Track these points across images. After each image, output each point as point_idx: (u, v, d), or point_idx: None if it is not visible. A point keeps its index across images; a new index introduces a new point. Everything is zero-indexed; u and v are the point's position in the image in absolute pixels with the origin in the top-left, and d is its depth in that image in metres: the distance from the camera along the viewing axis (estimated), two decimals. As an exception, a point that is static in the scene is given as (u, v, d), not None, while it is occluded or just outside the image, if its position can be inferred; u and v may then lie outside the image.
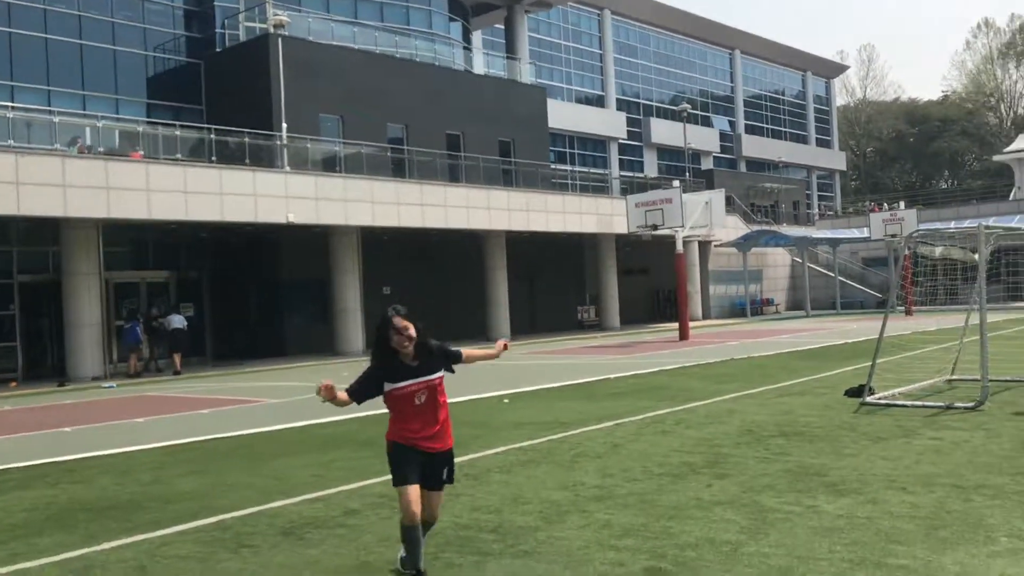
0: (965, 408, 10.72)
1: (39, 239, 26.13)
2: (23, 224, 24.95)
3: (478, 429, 10.83)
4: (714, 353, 22.05)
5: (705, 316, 43.09)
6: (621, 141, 57.58)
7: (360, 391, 5.14)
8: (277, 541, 6.24)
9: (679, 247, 30.38)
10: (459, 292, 33.94)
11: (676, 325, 31.07)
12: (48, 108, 28.24)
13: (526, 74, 42.00)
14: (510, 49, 43.87)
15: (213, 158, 26.06)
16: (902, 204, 43.32)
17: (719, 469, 7.89)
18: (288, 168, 26.84)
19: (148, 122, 29.83)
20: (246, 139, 26.88)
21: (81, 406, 17.23)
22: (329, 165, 29.75)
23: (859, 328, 29.47)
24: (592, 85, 57.87)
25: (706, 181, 49.74)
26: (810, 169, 75.13)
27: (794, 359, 19.36)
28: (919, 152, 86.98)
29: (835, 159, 79.12)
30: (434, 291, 32.68)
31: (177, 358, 24.83)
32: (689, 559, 5.31)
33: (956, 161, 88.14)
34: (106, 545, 6.31)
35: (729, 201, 43.89)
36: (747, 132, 68.95)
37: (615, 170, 54.29)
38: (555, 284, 39.24)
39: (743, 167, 66.46)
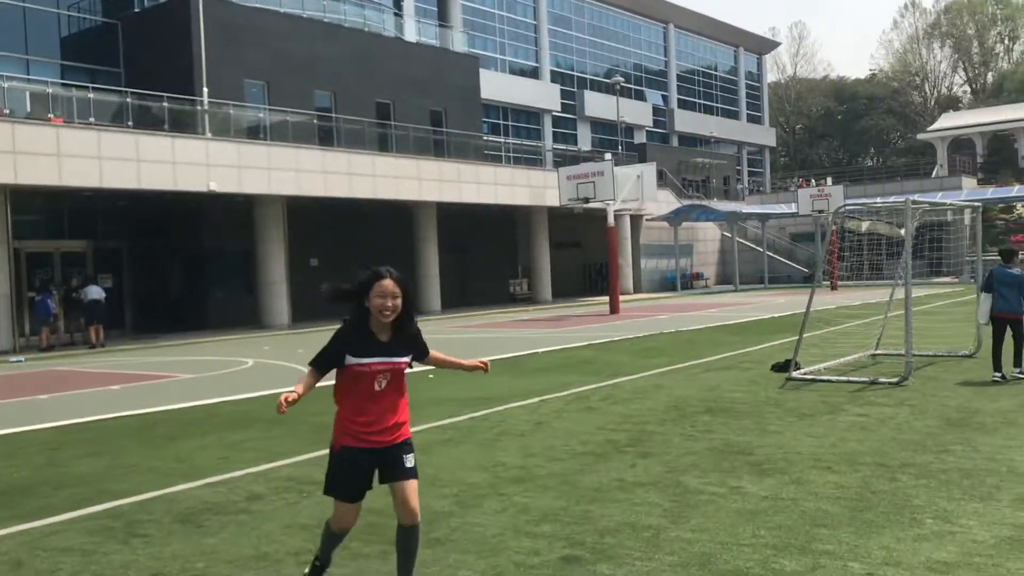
0: (889, 383, 10.72)
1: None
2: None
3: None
4: (643, 327, 22.00)
5: (636, 290, 43.26)
6: (555, 114, 57.23)
7: (323, 361, 4.37)
8: (173, 529, 5.81)
9: (610, 220, 30.27)
10: (390, 264, 33.11)
11: (607, 299, 31.04)
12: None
13: (459, 43, 41.32)
14: (443, 17, 43.10)
15: (130, 123, 24.97)
16: (829, 180, 44.00)
17: (643, 447, 7.67)
18: (209, 135, 25.89)
19: (61, 84, 28.50)
20: (165, 104, 25.82)
21: (-17, 382, 16.34)
22: (254, 133, 28.83)
23: (786, 302, 29.81)
24: (526, 56, 57.28)
25: (639, 155, 49.78)
26: (741, 145, 75.89)
27: (722, 333, 19.38)
28: (846, 130, 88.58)
29: (765, 135, 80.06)
30: (364, 263, 32.00)
31: (94, 330, 23.79)
32: (608, 546, 5.05)
33: (882, 139, 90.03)
34: (-18, 537, 5.80)
35: (661, 175, 43.98)
36: (680, 107, 69.21)
37: (548, 142, 53.97)
38: (487, 257, 38.89)
39: (675, 142, 66.76)
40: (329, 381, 4.42)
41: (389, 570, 4.65)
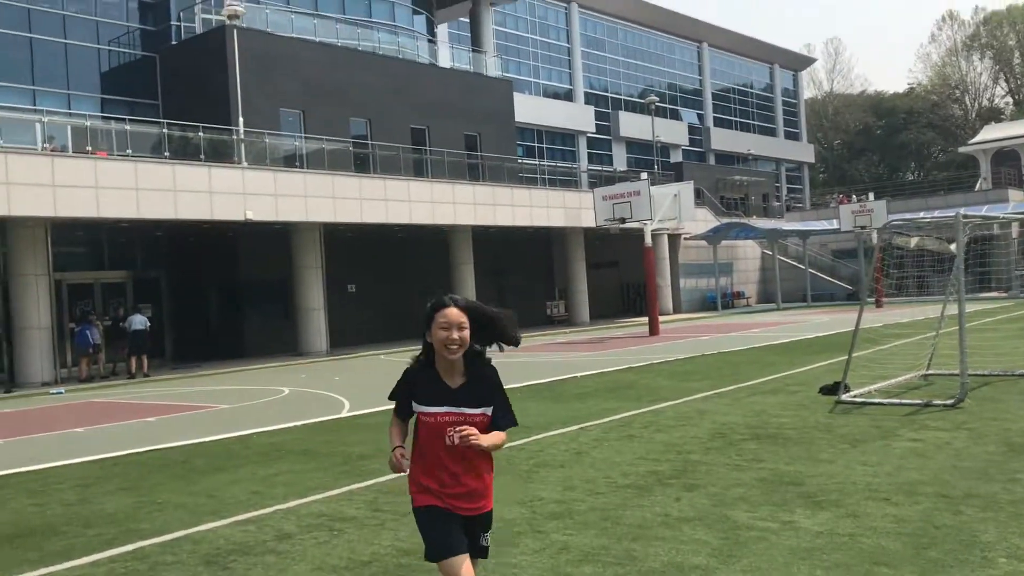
0: (944, 406, 10.25)
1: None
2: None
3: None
4: (684, 348, 21.57)
5: (676, 310, 42.71)
6: (590, 135, 57.11)
7: (399, 409, 3.78)
8: (198, 572, 5.58)
9: (648, 240, 29.91)
10: (426, 288, 33.17)
11: (646, 320, 30.61)
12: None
13: (492, 68, 41.34)
14: (476, 42, 43.17)
15: (167, 154, 25.19)
16: (871, 196, 43.20)
17: (688, 479, 7.32)
18: (246, 164, 26.02)
19: (100, 117, 28.89)
20: (201, 134, 26.02)
21: (22, 414, 16.39)
22: (290, 161, 28.96)
23: (830, 321, 29.17)
24: (560, 79, 57.32)
25: (675, 174, 49.42)
26: (779, 162, 75.13)
27: (766, 354, 18.91)
28: (886, 144, 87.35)
29: (803, 151, 79.22)
30: (399, 288, 31.99)
31: (135, 360, 23.89)
32: (654, 590, 4.73)
33: (922, 153, 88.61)
34: (4, 581, 5.63)
35: (698, 194, 43.55)
36: (716, 125, 68.74)
37: (583, 164, 53.78)
38: (523, 279, 38.66)
39: (712, 160, 66.23)
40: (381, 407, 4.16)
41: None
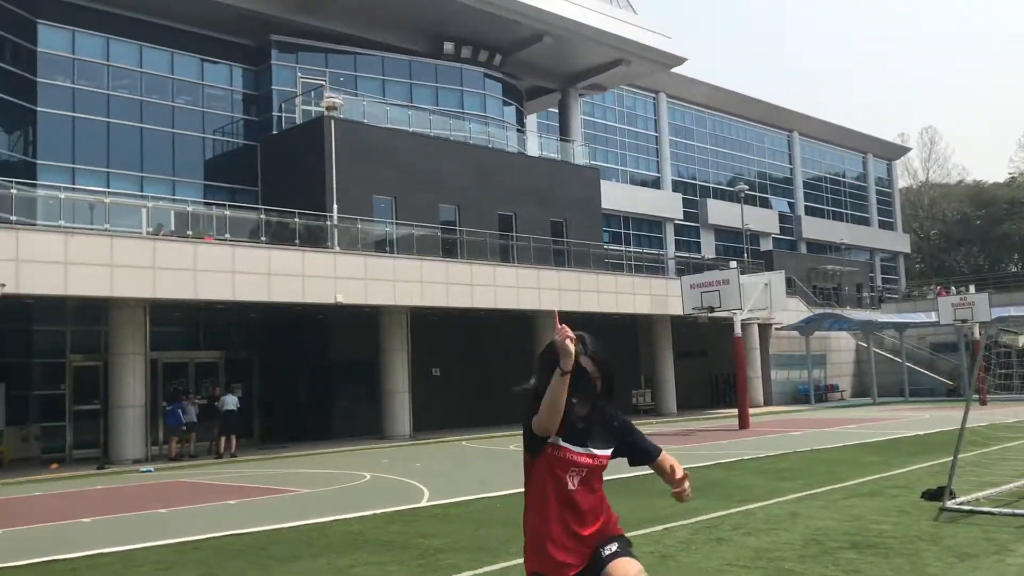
0: (1062, 518, 9.51)
1: (91, 319, 26.18)
2: (76, 304, 24.98)
3: (509, 530, 9.83)
4: (775, 444, 20.79)
5: (767, 402, 41.49)
6: (677, 222, 56.95)
7: (527, 441, 3.64)
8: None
9: (737, 330, 29.28)
10: (509, 373, 32.87)
11: (736, 412, 29.75)
12: (104, 189, 28.59)
13: (579, 155, 41.80)
14: (564, 131, 43.82)
15: (263, 238, 25.99)
16: (971, 288, 41.61)
17: (781, 590, 6.88)
18: (337, 248, 26.64)
19: (203, 203, 30.10)
20: (297, 220, 26.80)
21: (111, 492, 16.69)
22: (380, 246, 29.57)
23: (931, 418, 27.83)
24: (647, 167, 57.61)
25: (765, 262, 48.64)
26: (873, 251, 73.39)
27: (862, 452, 18.05)
28: (986, 235, 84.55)
29: (898, 241, 77.29)
30: (484, 372, 31.94)
31: (224, 440, 24.25)
32: None
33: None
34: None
35: (790, 283, 42.67)
36: (807, 213, 67.80)
37: (671, 250, 53.50)
38: (609, 367, 38.13)
39: (804, 248, 65.13)
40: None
41: None
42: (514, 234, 34.44)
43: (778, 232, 63.85)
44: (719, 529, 9.71)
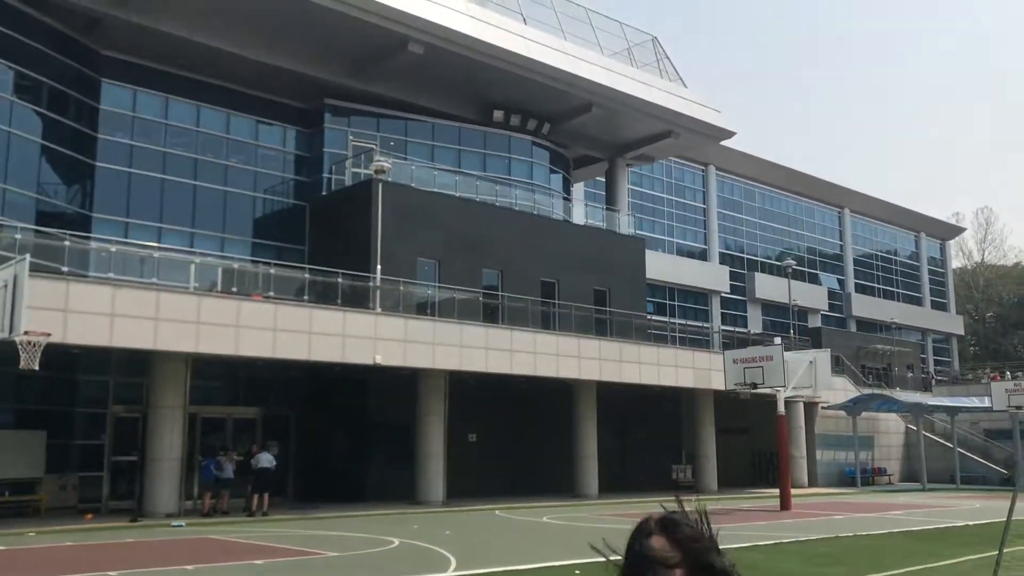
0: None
1: (134, 371, 26.46)
2: (120, 355, 25.30)
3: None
4: (817, 528, 20.08)
5: (811, 483, 40.32)
6: (723, 295, 56.44)
7: None
8: None
9: (780, 408, 28.65)
10: (546, 442, 32.78)
11: (777, 492, 28.92)
12: (155, 244, 29.13)
13: (625, 225, 41.80)
14: (610, 200, 43.93)
15: (307, 297, 26.21)
16: (1028, 373, 40.41)
17: None
18: (379, 310, 26.73)
19: (250, 260, 30.53)
20: (340, 279, 27.00)
21: (140, 546, 16.61)
22: (422, 308, 29.63)
23: (982, 508, 26.80)
24: (695, 238, 57.40)
25: (812, 339, 47.78)
26: (925, 332, 71.85)
27: (909, 541, 17.34)
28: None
29: (952, 323, 75.63)
30: (520, 440, 31.60)
31: (256, 498, 24.09)
32: None
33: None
34: None
35: (837, 362, 41.85)
36: (857, 291, 66.78)
37: (716, 323, 52.90)
38: (648, 439, 37.56)
39: (853, 327, 64.00)
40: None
41: None
42: (556, 301, 34.32)
43: (827, 309, 62.90)
44: (751, 616, 9.28)
